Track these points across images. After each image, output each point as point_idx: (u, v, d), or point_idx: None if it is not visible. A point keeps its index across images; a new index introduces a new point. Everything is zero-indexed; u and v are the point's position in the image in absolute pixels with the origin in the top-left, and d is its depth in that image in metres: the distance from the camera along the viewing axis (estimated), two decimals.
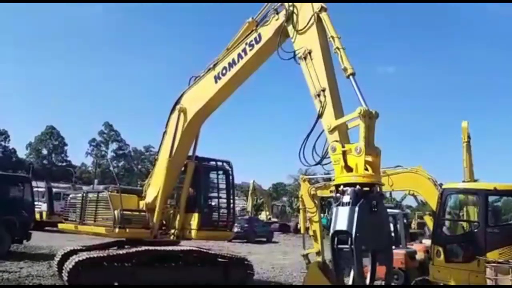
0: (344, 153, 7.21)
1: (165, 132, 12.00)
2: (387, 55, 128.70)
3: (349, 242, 6.53)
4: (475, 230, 9.55)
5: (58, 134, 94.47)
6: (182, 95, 11.69)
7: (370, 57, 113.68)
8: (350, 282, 6.80)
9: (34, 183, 19.24)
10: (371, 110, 7.18)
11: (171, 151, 11.54)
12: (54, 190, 30.48)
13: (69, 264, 10.18)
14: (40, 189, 25.80)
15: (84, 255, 10.39)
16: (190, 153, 12.22)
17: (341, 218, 6.75)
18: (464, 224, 10.68)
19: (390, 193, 11.15)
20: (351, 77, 7.64)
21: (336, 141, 7.43)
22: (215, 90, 10.76)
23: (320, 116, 7.91)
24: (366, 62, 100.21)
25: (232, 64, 10.26)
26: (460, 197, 10.79)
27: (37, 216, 22.69)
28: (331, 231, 6.80)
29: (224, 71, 10.46)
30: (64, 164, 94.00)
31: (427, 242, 13.63)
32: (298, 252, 15.55)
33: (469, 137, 13.16)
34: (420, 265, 13.04)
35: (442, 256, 9.38)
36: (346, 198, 6.86)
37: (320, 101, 7.91)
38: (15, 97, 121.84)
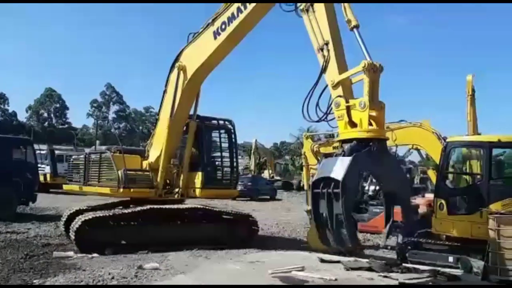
0: (348, 108, 7.12)
1: (165, 91, 11.85)
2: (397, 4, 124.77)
3: (332, 188, 6.70)
4: (479, 183, 9.57)
5: (58, 96, 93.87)
6: (181, 52, 11.44)
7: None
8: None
9: (36, 146, 19.26)
10: (375, 63, 7.02)
11: (172, 110, 11.43)
12: (56, 152, 30.56)
13: (76, 223, 10.33)
14: (42, 152, 25.87)
15: (90, 215, 10.53)
16: (191, 112, 12.12)
17: (329, 167, 6.93)
18: (467, 177, 10.69)
19: (396, 149, 11.09)
20: (355, 29, 7.43)
21: (340, 96, 7.32)
22: (214, 47, 10.50)
23: (323, 71, 7.74)
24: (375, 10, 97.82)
25: (231, 18, 9.95)
26: (464, 151, 10.73)
27: (41, 178, 22.87)
28: (315, 177, 7.01)
29: (223, 26, 10.17)
30: (65, 126, 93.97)
31: (429, 196, 13.72)
32: (301, 208, 15.77)
33: (473, 90, 12.94)
34: (422, 218, 13.19)
35: (444, 209, 9.44)
36: (341, 150, 7.05)
37: (323, 56, 7.72)
38: (13, 60, 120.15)
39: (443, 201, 9.50)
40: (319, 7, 7.93)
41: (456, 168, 10.86)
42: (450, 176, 10.43)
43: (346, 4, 7.53)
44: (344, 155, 6.93)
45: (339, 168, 6.72)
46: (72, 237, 10.40)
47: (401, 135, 10.99)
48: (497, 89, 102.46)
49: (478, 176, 9.84)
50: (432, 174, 12.71)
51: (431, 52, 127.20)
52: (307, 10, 8.04)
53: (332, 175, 6.76)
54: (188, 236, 10.97)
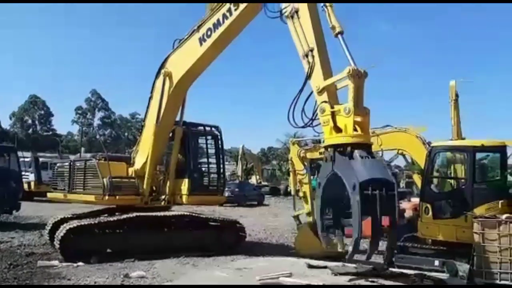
0: (333, 114, 7.17)
1: (150, 97, 11.80)
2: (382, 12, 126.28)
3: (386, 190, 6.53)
4: (463, 187, 9.68)
5: (43, 103, 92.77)
6: (166, 59, 11.43)
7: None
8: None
9: (20, 153, 18.99)
10: (360, 70, 7.09)
11: (158, 116, 11.38)
12: (40, 159, 30.18)
13: (61, 232, 10.20)
14: (26, 159, 25.52)
15: (75, 223, 10.41)
16: (178, 119, 12.08)
17: (374, 168, 6.73)
18: (452, 181, 10.81)
19: (382, 154, 11.15)
20: (339, 35, 7.50)
21: (325, 102, 7.36)
22: (200, 53, 10.50)
23: (308, 77, 7.78)
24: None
25: (217, 25, 9.98)
26: (448, 155, 10.86)
27: (25, 186, 22.53)
28: (360, 179, 6.47)
29: (209, 33, 10.18)
30: (50, 133, 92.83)
31: (415, 200, 13.84)
32: (288, 214, 15.75)
33: (456, 95, 13.13)
34: (408, 223, 13.28)
35: (430, 213, 9.53)
36: (362, 152, 6.86)
37: (308, 62, 7.77)
38: None
39: (428, 205, 9.59)
40: (304, 14, 7.98)
41: (441, 172, 10.98)
42: (435, 180, 10.54)
43: (330, 11, 7.59)
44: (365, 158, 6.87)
45: (384, 170, 6.70)
46: (57, 245, 10.26)
47: (387, 140, 11.07)
48: (482, 93, 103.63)
49: (463, 180, 9.96)
50: (417, 179, 12.81)
51: (415, 57, 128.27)
52: (292, 17, 8.08)
53: (384, 176, 6.65)
54: (175, 244, 10.90)
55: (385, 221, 6.55)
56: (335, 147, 7.06)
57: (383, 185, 6.52)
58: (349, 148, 6.90)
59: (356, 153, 6.84)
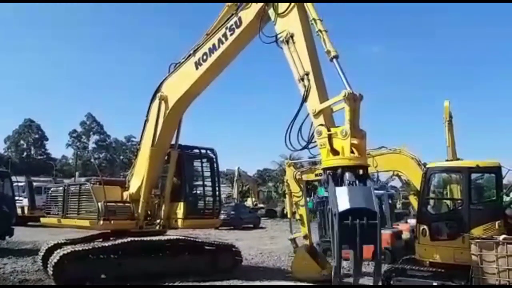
0: (330, 137, 7.19)
1: (146, 121, 11.81)
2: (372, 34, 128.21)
3: (367, 220, 6.19)
4: (459, 208, 9.68)
5: (38, 127, 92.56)
6: (162, 83, 11.49)
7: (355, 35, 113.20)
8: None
9: (13, 178, 18.82)
10: (355, 93, 7.15)
11: (153, 139, 11.38)
12: (34, 184, 29.88)
13: (54, 258, 10.06)
14: (20, 184, 25.26)
15: (68, 249, 10.27)
16: (173, 142, 12.08)
17: (358, 196, 6.47)
18: (448, 202, 10.82)
19: (377, 176, 11.18)
20: (334, 60, 7.58)
21: (322, 124, 7.39)
22: (196, 77, 10.56)
23: (304, 100, 7.84)
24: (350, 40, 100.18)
25: (212, 49, 10.08)
26: (444, 176, 10.90)
27: (19, 211, 22.26)
28: (340, 209, 6.22)
29: (204, 57, 10.27)
30: (44, 157, 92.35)
31: (412, 221, 13.81)
32: (285, 236, 15.61)
33: (450, 116, 13.23)
34: (406, 244, 13.22)
35: (427, 235, 9.49)
36: (351, 177, 6.74)
37: (304, 85, 7.83)
38: None
39: (425, 227, 9.55)
40: (299, 38, 8.10)
41: (437, 194, 11.00)
42: (432, 201, 10.54)
43: (325, 36, 7.69)
44: (355, 179, 6.75)
45: (368, 199, 6.45)
46: (50, 272, 10.09)
47: (382, 162, 11.12)
48: (476, 113, 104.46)
49: (459, 201, 9.96)
50: (413, 200, 12.82)
51: (406, 78, 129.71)
52: (287, 42, 8.20)
53: (366, 206, 6.40)
54: (171, 269, 10.77)
55: (367, 251, 6.36)
56: (328, 170, 7.01)
57: (364, 215, 6.25)
58: (339, 171, 6.83)
59: (346, 176, 6.76)
